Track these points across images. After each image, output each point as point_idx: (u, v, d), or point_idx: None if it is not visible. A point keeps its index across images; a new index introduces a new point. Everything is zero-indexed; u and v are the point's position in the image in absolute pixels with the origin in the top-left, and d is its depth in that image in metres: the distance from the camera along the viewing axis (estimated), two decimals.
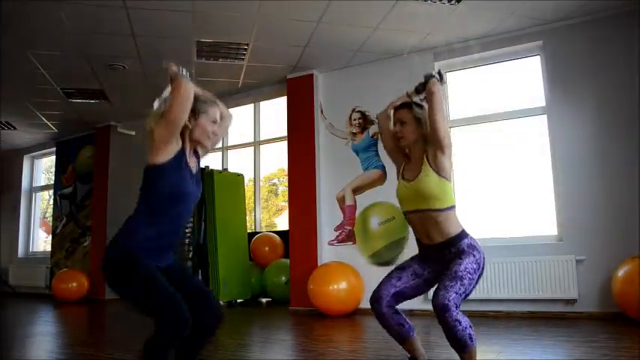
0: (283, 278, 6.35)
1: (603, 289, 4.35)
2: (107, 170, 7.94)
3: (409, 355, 2.61)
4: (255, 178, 7.98)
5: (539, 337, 3.68)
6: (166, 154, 2.13)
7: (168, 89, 2.20)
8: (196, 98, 2.24)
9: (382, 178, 5.45)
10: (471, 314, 2.54)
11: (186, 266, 5.96)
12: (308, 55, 5.53)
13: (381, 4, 4.43)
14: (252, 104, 7.81)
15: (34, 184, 9.79)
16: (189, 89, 2.12)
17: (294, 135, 6.06)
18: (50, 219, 9.19)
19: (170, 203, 2.15)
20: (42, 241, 9.75)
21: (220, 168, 7.47)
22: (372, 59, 5.65)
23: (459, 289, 2.30)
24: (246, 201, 7.21)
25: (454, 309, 2.23)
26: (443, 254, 2.48)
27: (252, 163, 8.03)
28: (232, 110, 8.61)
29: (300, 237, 5.81)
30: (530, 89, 5.10)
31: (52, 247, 8.72)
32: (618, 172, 4.45)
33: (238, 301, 6.54)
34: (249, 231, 7.23)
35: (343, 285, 5.15)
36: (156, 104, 2.21)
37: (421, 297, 2.88)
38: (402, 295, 2.56)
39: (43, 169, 10.02)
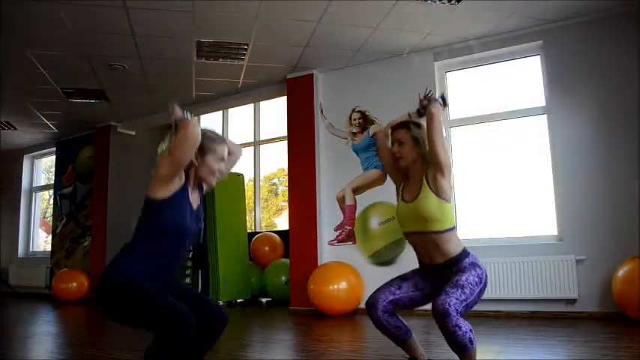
0: (283, 278, 6.35)
1: (603, 289, 4.35)
2: (107, 170, 7.93)
3: (408, 356, 2.61)
4: (255, 177, 7.99)
5: (539, 337, 3.67)
6: (167, 191, 2.11)
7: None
8: (204, 136, 2.21)
9: (382, 178, 5.44)
10: (471, 314, 2.53)
11: (184, 283, 5.97)
12: (308, 55, 5.53)
13: (381, 4, 4.43)
14: (252, 104, 7.81)
15: (34, 184, 9.79)
16: (197, 131, 2.09)
17: (294, 135, 6.06)
18: (50, 219, 9.19)
19: (167, 238, 2.14)
20: (42, 241, 9.74)
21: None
22: (372, 59, 5.65)
23: (460, 295, 2.28)
24: (246, 201, 7.21)
25: (454, 314, 2.20)
26: (444, 273, 2.46)
27: (252, 162, 8.03)
28: (232, 110, 8.64)
29: (300, 237, 5.81)
30: (530, 89, 5.11)
31: (52, 247, 8.72)
32: (618, 172, 4.45)
33: (238, 300, 6.54)
34: (249, 231, 7.23)
35: (343, 285, 5.15)
36: (167, 142, 2.17)
37: None
38: (399, 304, 2.54)
39: (43, 168, 10.02)
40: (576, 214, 4.59)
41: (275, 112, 7.77)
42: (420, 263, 2.63)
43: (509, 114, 5.16)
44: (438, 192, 2.44)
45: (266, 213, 8.40)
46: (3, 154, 9.50)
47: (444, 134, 2.49)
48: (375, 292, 2.59)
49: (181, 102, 7.03)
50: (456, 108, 5.45)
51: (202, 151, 2.20)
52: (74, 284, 7.42)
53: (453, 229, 2.49)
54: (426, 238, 2.48)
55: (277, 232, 7.20)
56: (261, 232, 7.42)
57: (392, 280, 2.62)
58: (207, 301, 2.30)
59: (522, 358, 3.02)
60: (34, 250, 9.57)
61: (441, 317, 2.21)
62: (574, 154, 4.67)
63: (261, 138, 8.07)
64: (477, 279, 2.38)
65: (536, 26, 4.89)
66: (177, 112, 2.18)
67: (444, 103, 2.55)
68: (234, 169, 7.33)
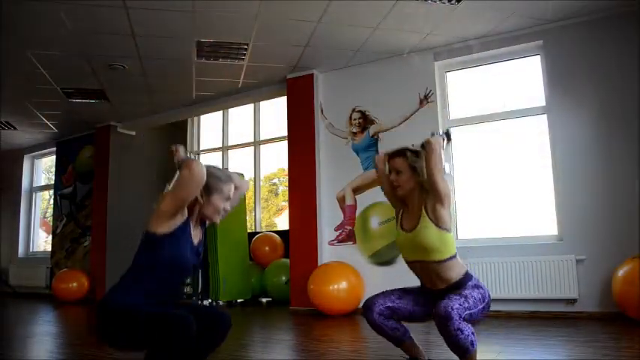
0: (283, 278, 6.35)
1: (603, 288, 4.35)
2: (107, 170, 7.93)
3: (407, 357, 2.61)
4: (255, 177, 7.99)
5: (539, 336, 3.68)
6: (168, 227, 2.09)
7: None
8: (211, 175, 2.18)
9: None
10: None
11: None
12: (308, 54, 5.53)
13: (381, 4, 4.43)
14: (252, 104, 7.82)
15: (35, 184, 9.79)
16: (202, 171, 2.04)
17: (295, 135, 6.06)
18: (50, 219, 9.19)
19: (166, 271, 2.13)
20: (42, 241, 9.74)
21: (220, 168, 7.46)
22: (372, 59, 5.65)
23: (463, 303, 2.27)
24: (247, 201, 7.22)
25: (457, 318, 2.19)
26: (445, 295, 2.43)
27: (253, 162, 8.04)
28: (232, 110, 8.63)
29: (300, 237, 5.81)
30: (530, 89, 5.10)
31: (52, 247, 8.72)
32: (618, 172, 4.45)
33: (238, 300, 6.54)
34: (249, 231, 7.23)
35: (343, 285, 5.15)
36: (173, 180, 2.15)
37: None
38: (396, 313, 2.54)
39: (43, 168, 10.02)
40: (576, 213, 4.59)
41: (275, 112, 7.77)
42: (422, 287, 2.62)
43: (509, 114, 5.16)
44: (438, 222, 2.42)
45: (266, 213, 8.40)
46: (3, 154, 9.50)
47: (447, 169, 2.45)
48: (374, 295, 2.59)
49: (181, 102, 7.14)
50: (456, 108, 5.46)
51: (208, 190, 2.18)
52: (74, 284, 7.42)
53: (455, 256, 2.47)
54: (426, 266, 2.48)
55: (277, 232, 7.20)
56: (262, 232, 7.42)
57: (394, 290, 2.62)
58: (208, 307, 2.31)
59: (522, 358, 3.02)
60: (35, 250, 9.57)
61: (443, 320, 2.20)
62: (574, 154, 4.67)
63: (262, 138, 8.08)
64: (479, 295, 2.37)
65: (536, 26, 4.89)
66: (181, 153, 2.17)
67: (448, 138, 2.50)
68: (235, 170, 7.34)
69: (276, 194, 8.54)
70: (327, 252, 5.70)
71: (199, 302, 6.20)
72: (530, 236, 4.88)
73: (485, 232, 5.15)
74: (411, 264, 2.56)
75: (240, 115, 8.34)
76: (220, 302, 6.25)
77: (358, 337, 4.24)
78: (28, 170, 9.75)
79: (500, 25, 4.87)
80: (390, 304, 2.54)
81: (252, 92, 6.66)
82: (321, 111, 5.98)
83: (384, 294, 2.59)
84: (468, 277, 2.46)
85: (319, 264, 5.57)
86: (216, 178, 2.21)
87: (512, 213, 5.12)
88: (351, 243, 5.61)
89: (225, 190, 2.24)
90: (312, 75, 5.99)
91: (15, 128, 8.10)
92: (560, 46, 4.83)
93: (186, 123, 8.74)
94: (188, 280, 6.21)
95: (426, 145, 2.44)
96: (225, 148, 8.47)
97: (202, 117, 8.75)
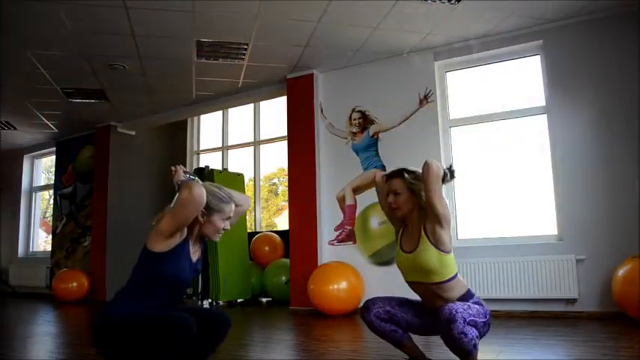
0: (283, 278, 6.36)
1: (603, 288, 4.35)
2: (107, 170, 7.93)
3: (408, 357, 2.62)
4: (255, 177, 7.99)
5: (539, 336, 3.68)
6: (166, 245, 2.10)
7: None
8: (213, 195, 2.19)
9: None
10: None
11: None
12: (308, 54, 5.53)
13: (381, 4, 4.43)
14: (252, 104, 7.82)
15: (34, 184, 9.79)
16: (202, 195, 2.05)
17: (294, 135, 6.06)
18: (50, 219, 9.19)
19: (163, 288, 2.14)
20: (42, 241, 9.74)
21: (220, 168, 7.47)
22: (372, 59, 5.65)
23: (467, 309, 2.26)
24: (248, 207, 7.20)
25: (461, 321, 2.19)
26: None
27: (252, 162, 8.04)
28: (232, 110, 8.64)
29: (300, 237, 5.81)
30: (530, 89, 5.11)
31: (52, 246, 8.72)
32: (618, 172, 4.45)
33: (238, 300, 6.54)
34: (249, 231, 7.24)
35: (343, 285, 5.15)
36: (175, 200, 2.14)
37: None
38: (394, 318, 2.54)
39: (43, 168, 10.02)
40: (576, 213, 4.59)
41: (275, 111, 7.77)
42: (422, 304, 2.61)
43: (509, 114, 5.16)
44: (437, 244, 2.40)
45: (266, 213, 8.40)
46: (3, 154, 9.51)
47: (441, 188, 2.38)
48: (375, 297, 2.59)
49: (181, 102, 7.13)
50: (456, 108, 5.46)
51: (209, 210, 2.18)
52: (74, 284, 7.42)
53: (455, 276, 2.45)
54: (427, 288, 2.47)
55: (277, 232, 7.21)
56: (262, 232, 7.42)
57: (396, 297, 2.62)
58: (208, 309, 2.32)
59: (522, 358, 3.02)
60: (34, 250, 9.57)
61: (447, 323, 2.19)
62: (574, 154, 4.67)
63: (261, 138, 8.08)
64: (482, 310, 2.36)
65: (536, 26, 4.89)
66: (180, 174, 2.19)
67: (451, 176, 2.47)
68: (235, 169, 7.32)
69: (276, 194, 8.54)
70: (327, 252, 5.70)
71: (199, 303, 6.20)
72: (530, 236, 4.88)
73: (486, 231, 5.15)
74: (412, 284, 2.55)
75: (240, 114, 8.35)
76: (220, 302, 6.25)
77: (358, 337, 4.23)
78: (28, 170, 9.76)
79: (500, 24, 4.87)
80: (389, 309, 2.54)
81: (252, 92, 6.66)
82: (321, 111, 5.98)
83: (385, 298, 2.59)
84: (469, 294, 2.45)
85: (319, 264, 5.57)
86: (217, 199, 2.21)
87: (513, 213, 5.12)
88: (351, 243, 5.61)
89: (227, 211, 2.24)
90: (312, 75, 5.99)
91: (15, 128, 8.10)
92: (560, 45, 4.83)
93: (186, 123, 8.74)
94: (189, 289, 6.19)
95: (424, 167, 2.41)
96: (225, 148, 8.47)
97: (202, 117, 8.75)
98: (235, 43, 5.19)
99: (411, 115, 5.43)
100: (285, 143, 6.33)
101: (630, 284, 3.93)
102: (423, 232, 2.44)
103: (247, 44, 5.22)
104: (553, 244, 4.70)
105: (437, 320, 2.32)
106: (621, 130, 4.48)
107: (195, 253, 2.26)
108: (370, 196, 5.52)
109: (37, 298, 8.08)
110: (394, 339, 2.56)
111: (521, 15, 4.69)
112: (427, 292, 2.49)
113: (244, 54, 5.47)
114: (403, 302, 2.60)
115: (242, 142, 8.33)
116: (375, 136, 5.61)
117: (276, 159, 8.10)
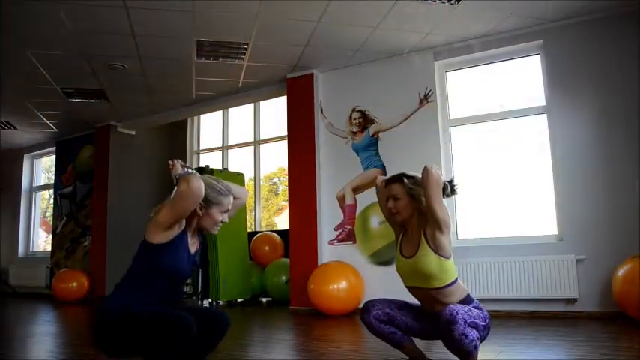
0: (283, 278, 6.36)
1: (603, 288, 4.35)
2: (107, 170, 7.94)
3: (408, 357, 2.62)
4: (255, 177, 7.99)
5: (539, 336, 3.68)
6: (164, 237, 2.12)
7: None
8: (211, 188, 2.21)
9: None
10: None
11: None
12: (308, 54, 5.53)
13: (381, 3, 4.43)
14: (252, 104, 7.82)
15: (34, 184, 9.79)
16: (200, 187, 2.06)
17: (295, 134, 6.06)
18: (50, 218, 9.19)
19: (161, 279, 2.15)
20: (42, 241, 9.75)
21: (220, 167, 7.47)
22: (372, 59, 5.65)
23: (467, 311, 2.27)
24: (247, 200, 7.21)
25: (462, 322, 2.19)
26: None
27: (253, 162, 8.04)
28: (232, 110, 8.63)
29: (300, 236, 5.81)
30: (530, 89, 5.11)
31: (52, 246, 8.73)
32: (618, 171, 4.46)
33: (238, 300, 6.54)
34: (249, 230, 7.24)
35: (343, 284, 5.15)
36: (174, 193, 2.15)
37: None
38: (393, 320, 2.54)
39: (43, 168, 10.02)
40: (576, 213, 4.59)
41: (275, 111, 7.77)
42: (422, 309, 2.61)
43: (509, 113, 5.16)
44: (437, 249, 2.40)
45: (266, 212, 8.40)
46: (3, 153, 9.50)
47: (441, 194, 2.38)
48: (375, 299, 2.59)
49: (181, 102, 7.13)
50: (456, 107, 5.46)
51: (207, 203, 2.20)
52: (74, 284, 7.43)
53: (455, 281, 2.45)
54: (427, 293, 2.47)
55: (277, 232, 7.21)
56: (262, 232, 7.42)
57: (396, 300, 2.62)
58: (207, 308, 2.32)
59: (522, 358, 3.02)
60: (34, 249, 9.58)
61: (448, 324, 2.19)
62: (574, 154, 4.67)
63: (262, 137, 8.08)
64: (481, 314, 2.36)
65: (536, 26, 4.89)
66: (178, 168, 2.20)
67: (452, 191, 2.47)
68: (235, 169, 7.32)
69: (276, 194, 8.54)
70: (327, 251, 5.70)
71: (199, 302, 6.21)
72: (530, 236, 4.88)
73: (486, 231, 5.15)
74: (411, 289, 2.55)
75: (240, 114, 8.35)
76: (220, 302, 6.25)
77: (358, 336, 4.23)
78: (28, 170, 9.76)
79: (500, 24, 4.87)
80: (388, 311, 2.54)
81: (252, 92, 6.66)
82: (321, 110, 5.98)
83: (385, 300, 2.59)
84: (468, 299, 2.45)
85: (319, 263, 5.57)
86: (215, 192, 2.22)
87: (513, 213, 5.12)
88: (351, 242, 5.61)
89: (225, 204, 2.25)
90: (312, 74, 5.99)
91: (15, 128, 8.10)
92: (560, 45, 4.83)
93: (186, 123, 8.74)
94: (188, 280, 6.21)
95: (423, 173, 2.40)
96: (225, 148, 8.47)
97: (202, 116, 8.75)
98: (235, 42, 5.19)
99: (411, 114, 5.43)
100: (285, 143, 6.33)
101: (630, 284, 3.93)
102: (422, 237, 2.44)
103: (247, 44, 5.23)
104: (553, 243, 4.70)
105: (437, 324, 2.31)
106: (621, 129, 4.48)
107: (193, 245, 2.27)
108: (370, 196, 5.52)
109: (37, 298, 8.09)
110: (394, 340, 2.56)
111: (521, 15, 4.69)
112: (427, 297, 2.49)
113: (244, 54, 5.47)
114: (403, 305, 2.60)
115: (242, 141, 8.34)
116: (375, 136, 5.61)
117: (276, 159, 8.11)
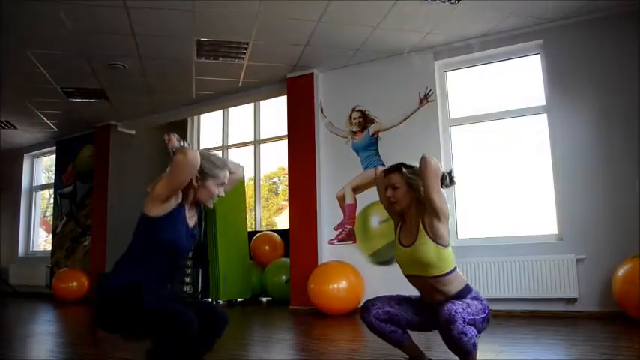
0: (283, 277, 6.36)
1: (603, 288, 4.35)
2: (107, 169, 7.93)
3: (408, 357, 2.62)
4: (255, 177, 7.99)
5: (539, 336, 3.68)
6: (162, 210, 2.13)
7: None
8: (207, 160, 2.22)
9: None
10: None
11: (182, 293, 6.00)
12: (308, 54, 5.53)
13: (381, 3, 4.43)
14: (253, 103, 7.82)
15: (35, 184, 9.79)
16: (196, 158, 2.08)
17: (295, 134, 6.06)
18: (50, 218, 9.20)
19: (161, 254, 2.16)
20: (42, 240, 9.75)
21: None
22: (373, 58, 5.65)
23: (466, 308, 2.27)
24: (247, 200, 7.22)
25: (460, 321, 2.20)
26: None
27: (253, 162, 8.04)
28: (232, 109, 8.63)
29: (300, 236, 5.81)
30: (530, 88, 5.10)
31: (53, 246, 8.73)
32: (618, 171, 4.45)
33: (239, 300, 6.54)
34: (249, 230, 7.23)
35: (343, 284, 5.15)
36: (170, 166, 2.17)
37: None
38: (394, 318, 2.54)
39: (43, 168, 10.02)
40: (576, 213, 4.59)
41: (275, 111, 7.77)
42: (421, 299, 2.62)
43: (509, 113, 5.16)
44: (435, 238, 2.41)
45: (266, 212, 8.40)
46: (3, 153, 9.50)
47: (439, 183, 2.40)
48: (374, 297, 2.60)
49: (181, 101, 7.13)
50: (456, 107, 5.46)
51: (203, 175, 2.21)
52: (74, 283, 7.43)
53: (454, 270, 2.46)
54: (425, 281, 2.48)
55: (277, 232, 7.21)
56: (262, 232, 7.42)
57: (395, 295, 2.62)
58: (207, 303, 2.32)
59: (522, 358, 3.03)
60: (35, 249, 9.58)
61: (447, 323, 2.20)
62: (574, 154, 4.67)
63: (262, 137, 8.08)
64: (480, 306, 2.37)
65: (536, 25, 4.89)
66: (174, 141, 2.20)
67: (451, 181, 2.48)
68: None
69: (276, 193, 8.54)
70: (327, 251, 5.70)
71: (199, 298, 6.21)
72: (530, 235, 4.88)
73: (486, 231, 5.15)
74: (410, 278, 2.56)
75: (240, 114, 8.35)
76: (220, 301, 6.25)
77: (358, 336, 4.24)
78: (28, 169, 9.76)
79: (501, 24, 4.87)
80: (388, 309, 2.54)
81: (252, 91, 6.66)
82: (321, 110, 5.98)
83: (385, 298, 2.59)
84: (467, 289, 2.46)
85: (319, 263, 5.58)
86: (211, 164, 2.24)
87: (513, 212, 5.12)
88: (351, 242, 5.61)
89: (221, 176, 2.27)
90: (312, 74, 5.99)
91: (15, 127, 8.10)
92: (560, 45, 4.83)
93: (186, 122, 8.74)
94: (188, 280, 6.21)
95: (421, 162, 2.42)
96: (225, 147, 8.47)
97: (202, 116, 8.75)
98: (235, 42, 5.19)
99: (411, 114, 5.43)
100: (285, 142, 6.33)
101: (630, 284, 3.93)
102: (421, 226, 2.45)
103: (247, 44, 5.22)
104: (553, 243, 4.70)
105: (436, 316, 2.32)
106: (621, 129, 4.48)
107: (191, 219, 2.28)
108: (370, 196, 5.52)
109: (37, 298, 8.09)
110: (394, 339, 2.56)
111: (521, 14, 4.69)
112: (425, 286, 2.50)
113: (244, 53, 5.47)
114: (402, 300, 2.60)
115: (242, 141, 8.33)
116: (375, 136, 5.61)
117: (276, 158, 8.10)
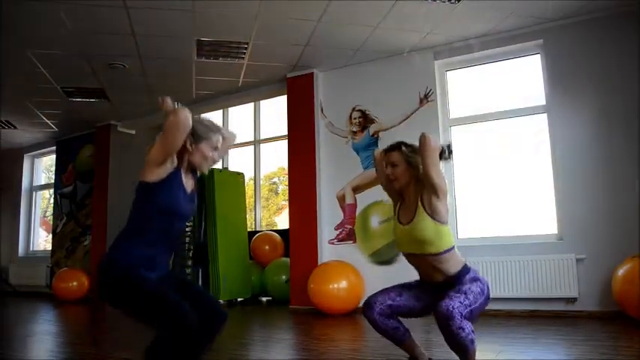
0: (283, 277, 6.35)
1: (603, 287, 4.35)
2: (107, 169, 7.94)
3: (408, 356, 2.62)
4: (255, 176, 7.98)
5: (539, 335, 3.68)
6: (158, 174, 2.14)
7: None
8: (200, 123, 2.25)
9: None
10: None
11: (185, 276, 5.98)
12: (308, 53, 5.53)
13: (381, 3, 4.43)
14: (253, 103, 7.81)
15: (35, 183, 9.80)
16: (188, 118, 2.09)
17: (295, 134, 6.06)
18: (50, 218, 9.20)
19: (161, 220, 2.15)
20: (42, 240, 9.75)
21: (220, 167, 7.47)
22: (373, 58, 5.65)
23: (464, 300, 2.28)
24: (247, 200, 7.22)
25: (458, 316, 2.21)
26: (445, 290, 2.41)
27: (253, 161, 8.03)
28: (232, 109, 8.61)
29: (300, 236, 5.81)
30: (530, 88, 5.10)
31: (53, 246, 8.73)
32: (618, 171, 4.45)
33: (239, 299, 6.54)
34: (249, 230, 7.23)
35: (343, 284, 5.15)
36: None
37: None
38: (397, 310, 2.55)
39: (43, 167, 10.02)
40: (576, 213, 4.59)
41: (275, 111, 7.77)
42: (420, 280, 2.63)
43: (509, 113, 5.16)
44: (434, 215, 2.44)
45: (266, 212, 8.40)
46: (3, 153, 9.50)
47: (438, 160, 2.45)
48: (374, 293, 2.60)
49: (181, 101, 7.05)
50: (457, 107, 5.46)
51: (196, 138, 2.23)
52: (74, 283, 7.43)
53: (452, 249, 2.47)
54: (423, 259, 2.49)
55: (277, 231, 7.20)
56: (262, 231, 7.42)
57: (394, 287, 2.63)
58: (207, 297, 2.30)
59: (522, 358, 3.03)
60: (35, 249, 9.58)
61: (445, 320, 2.21)
62: (574, 153, 4.67)
63: (262, 137, 8.07)
64: (479, 289, 2.39)
65: (536, 25, 4.88)
66: (168, 103, 2.24)
67: (449, 153, 2.52)
68: (235, 168, 7.31)
69: (277, 193, 8.54)
70: (327, 251, 5.70)
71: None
72: (530, 235, 4.88)
73: (486, 231, 5.15)
74: (408, 257, 2.58)
75: (241, 114, 8.34)
76: (220, 301, 6.25)
77: (358, 336, 4.24)
78: (28, 169, 9.76)
79: (501, 24, 4.87)
80: (390, 302, 2.54)
81: (252, 91, 6.66)
82: (321, 110, 5.98)
83: (385, 292, 2.60)
84: (465, 269, 2.48)
85: (319, 263, 5.58)
86: (204, 127, 2.26)
87: (513, 212, 5.12)
88: (351, 242, 5.62)
89: (213, 139, 2.28)
90: (312, 74, 5.99)
91: (15, 127, 8.10)
92: (560, 45, 4.82)
93: None
94: (189, 255, 6.19)
95: (421, 139, 2.46)
96: None
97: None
98: (235, 42, 5.19)
99: (412, 114, 5.43)
100: (285, 142, 6.33)
101: (630, 284, 3.93)
102: (419, 203, 2.48)
103: (247, 43, 5.22)
104: (553, 243, 4.70)
105: (437, 295, 2.36)
106: (621, 129, 4.48)
107: (188, 183, 2.28)
108: (370, 196, 5.52)
109: (37, 297, 8.09)
110: (395, 337, 2.57)
111: (521, 14, 4.69)
112: (424, 265, 2.52)
113: (244, 53, 5.47)
114: (401, 290, 2.61)
115: (242, 141, 8.33)
116: (376, 135, 5.61)
117: (276, 158, 8.10)
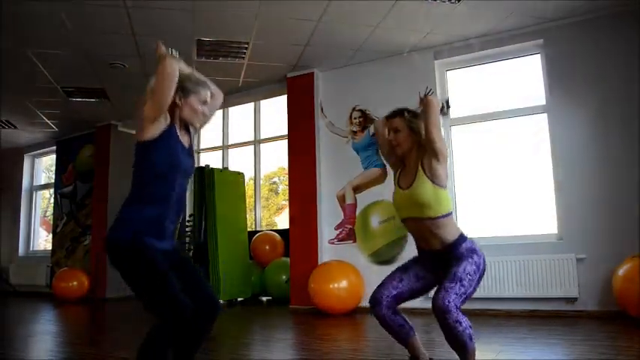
0: (284, 277, 6.36)
1: (604, 287, 4.35)
2: (107, 169, 7.94)
3: (410, 355, 2.62)
4: (255, 176, 7.99)
5: (538, 335, 3.68)
6: (153, 131, 2.13)
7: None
8: (187, 78, 2.29)
9: (382, 176, 5.45)
10: (470, 313, 2.54)
11: (188, 256, 5.96)
12: (308, 53, 5.53)
13: (381, 3, 4.43)
14: (253, 103, 7.81)
15: (35, 183, 9.80)
16: (174, 68, 2.13)
17: (295, 134, 6.06)
18: (51, 218, 9.20)
19: (163, 177, 2.15)
20: (42, 240, 9.75)
21: (221, 167, 7.47)
22: (373, 58, 5.65)
23: (459, 289, 2.31)
24: (247, 199, 7.22)
25: (454, 310, 2.23)
26: (442, 260, 2.48)
27: (253, 161, 8.03)
28: (232, 109, 8.60)
29: (300, 236, 5.81)
30: (530, 88, 5.10)
31: (53, 245, 8.73)
32: (618, 171, 4.45)
33: (239, 299, 6.55)
34: (249, 230, 7.23)
35: (343, 284, 5.15)
36: (151, 82, 2.21)
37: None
38: (402, 297, 2.57)
39: (43, 167, 10.02)
40: (576, 212, 4.59)
41: (275, 110, 7.77)
42: (418, 249, 2.66)
43: (509, 112, 5.16)
44: (433, 178, 2.47)
45: (266, 212, 8.40)
46: (3, 153, 9.51)
47: (440, 123, 2.52)
48: (378, 288, 2.60)
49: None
50: (457, 107, 5.45)
51: (185, 92, 2.26)
52: (74, 283, 7.43)
53: (449, 215, 2.51)
54: (421, 224, 2.51)
55: (278, 231, 7.20)
56: (262, 231, 7.42)
57: (393, 274, 2.64)
58: (204, 285, 2.26)
59: (522, 358, 3.03)
60: (35, 249, 9.58)
61: (442, 314, 2.23)
62: (574, 153, 4.67)
63: (262, 137, 8.07)
64: (474, 267, 2.41)
65: (537, 25, 4.88)
66: (161, 47, 2.28)
67: (448, 106, 2.59)
68: (235, 168, 7.30)
69: (277, 193, 8.54)
70: (327, 251, 5.70)
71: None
72: (530, 235, 4.88)
73: (486, 230, 5.14)
74: (407, 221, 2.59)
75: (241, 113, 8.34)
76: (221, 301, 6.26)
77: (358, 335, 4.24)
78: (28, 169, 9.76)
79: (501, 24, 4.87)
80: (394, 292, 2.56)
81: (253, 91, 6.66)
82: (321, 110, 5.98)
83: (386, 283, 2.60)
84: (462, 238, 2.50)
85: (319, 263, 5.58)
86: (192, 82, 2.31)
87: (513, 212, 5.12)
88: (352, 242, 5.62)
89: (202, 93, 2.32)
90: (312, 74, 5.99)
91: (15, 127, 8.10)
92: (561, 45, 4.82)
93: None
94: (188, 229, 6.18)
95: (425, 101, 2.53)
96: (225, 147, 8.46)
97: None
98: (235, 42, 5.19)
99: None
100: (285, 142, 6.33)
101: (631, 283, 3.93)
102: (420, 167, 2.52)
103: (247, 43, 5.22)
104: (553, 243, 4.70)
105: (436, 266, 2.46)
106: (621, 129, 4.48)
107: (184, 139, 2.29)
108: (371, 195, 5.52)
109: (37, 297, 8.09)
110: (400, 335, 2.57)
111: (522, 14, 4.69)
112: (422, 230, 2.53)
113: (244, 53, 5.47)
114: (402, 275, 2.61)
115: (242, 141, 8.33)
116: (376, 135, 5.60)
117: (276, 158, 8.10)
